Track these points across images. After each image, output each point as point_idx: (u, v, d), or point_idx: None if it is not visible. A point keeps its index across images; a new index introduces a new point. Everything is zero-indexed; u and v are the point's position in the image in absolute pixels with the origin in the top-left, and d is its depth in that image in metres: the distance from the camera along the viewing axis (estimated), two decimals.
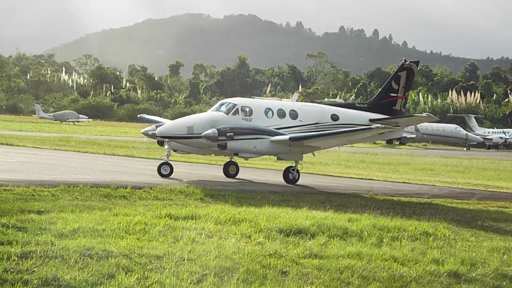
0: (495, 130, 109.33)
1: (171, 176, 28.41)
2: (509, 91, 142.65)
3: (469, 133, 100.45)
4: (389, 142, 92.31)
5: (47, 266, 11.36)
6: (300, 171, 30.36)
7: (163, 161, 28.99)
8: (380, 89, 34.57)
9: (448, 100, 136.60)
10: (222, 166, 31.83)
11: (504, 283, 13.01)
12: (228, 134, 27.64)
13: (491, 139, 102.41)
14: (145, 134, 30.39)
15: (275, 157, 30.95)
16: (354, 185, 31.09)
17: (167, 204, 19.84)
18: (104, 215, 16.39)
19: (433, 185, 34.02)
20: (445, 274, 13.13)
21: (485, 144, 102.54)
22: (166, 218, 16.44)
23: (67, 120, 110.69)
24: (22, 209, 16.80)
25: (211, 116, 29.42)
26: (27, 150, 40.54)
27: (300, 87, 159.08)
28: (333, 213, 19.17)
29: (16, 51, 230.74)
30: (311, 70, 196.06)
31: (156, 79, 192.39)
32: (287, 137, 28.82)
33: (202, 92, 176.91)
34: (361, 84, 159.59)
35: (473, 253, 15.06)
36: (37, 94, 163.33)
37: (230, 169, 31.42)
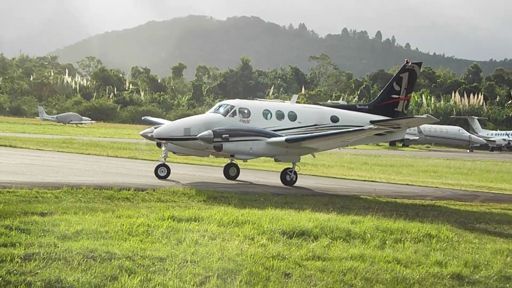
0: (498, 132, 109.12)
1: (173, 178, 28.43)
2: None
3: (472, 135, 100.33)
4: (392, 144, 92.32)
5: (50, 268, 11.37)
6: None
7: (160, 162, 29.00)
8: (382, 91, 34.46)
9: (451, 102, 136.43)
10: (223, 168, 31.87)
11: (508, 285, 12.99)
12: (223, 135, 27.67)
13: (494, 141, 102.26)
14: (144, 136, 30.41)
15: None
16: (357, 187, 31.06)
17: (170, 206, 19.86)
18: (107, 217, 16.39)
19: (436, 187, 33.97)
20: (448, 276, 13.12)
21: (488, 146, 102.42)
22: (169, 220, 16.44)
23: (70, 122, 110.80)
24: (25, 211, 16.82)
25: (208, 117, 29.48)
26: (30, 152, 40.59)
27: (303, 89, 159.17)
28: (336, 215, 19.16)
29: (20, 53, 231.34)
30: (314, 72, 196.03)
31: (159, 81, 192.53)
32: (283, 138, 28.77)
33: (205, 94, 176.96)
34: (364, 86, 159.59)
35: (477, 255, 15.04)
36: (40, 96, 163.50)
37: (231, 171, 31.44)
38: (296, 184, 30.17)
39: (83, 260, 11.90)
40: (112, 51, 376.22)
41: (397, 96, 32.81)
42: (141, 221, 15.89)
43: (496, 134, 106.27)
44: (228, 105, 29.88)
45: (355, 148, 66.67)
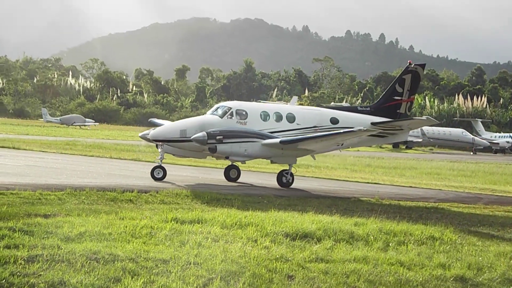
0: (502, 134, 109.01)
1: (175, 180, 28.46)
2: None
3: (475, 138, 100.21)
4: (396, 146, 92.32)
5: (53, 269, 11.38)
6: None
7: (157, 164, 29.00)
8: (384, 92, 34.30)
9: (455, 105, 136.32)
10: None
11: None
12: (217, 137, 27.68)
13: (498, 143, 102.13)
14: (143, 138, 30.43)
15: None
16: (360, 189, 31.03)
17: (173, 208, 19.88)
18: (111, 219, 16.41)
19: (440, 190, 33.95)
20: (451, 279, 13.11)
21: (492, 149, 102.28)
22: (172, 222, 16.45)
23: (74, 124, 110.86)
24: (29, 213, 16.85)
25: (204, 119, 29.51)
26: (33, 154, 40.61)
27: (306, 91, 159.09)
28: (339, 217, 19.17)
29: (23, 55, 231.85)
30: (317, 74, 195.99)
31: (162, 83, 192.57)
32: (277, 140, 28.74)
33: (209, 96, 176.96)
34: (367, 88, 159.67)
35: (480, 258, 15.02)
36: (43, 98, 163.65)
37: (231, 173, 31.46)
38: (299, 186, 30.16)
39: (86, 262, 11.91)
40: (115, 53, 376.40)
41: (399, 98, 32.66)
42: (144, 223, 15.90)
43: (499, 137, 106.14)
44: (225, 106, 29.90)
45: (358, 150, 66.64)
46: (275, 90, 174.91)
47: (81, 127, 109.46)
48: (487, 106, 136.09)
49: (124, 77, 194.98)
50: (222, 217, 17.33)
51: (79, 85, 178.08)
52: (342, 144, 31.26)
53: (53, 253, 12.28)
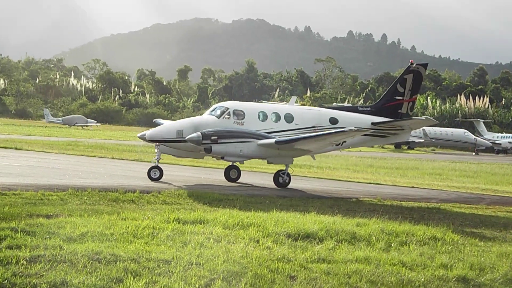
0: (504, 134, 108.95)
1: (177, 181, 28.45)
2: None
3: (477, 138, 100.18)
4: (398, 146, 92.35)
5: (55, 270, 11.38)
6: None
7: (153, 164, 29.00)
8: (385, 92, 34.14)
9: (457, 105, 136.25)
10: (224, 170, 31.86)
11: None
12: (212, 137, 27.63)
13: (500, 143, 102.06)
14: (142, 138, 30.42)
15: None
16: (362, 190, 31.00)
17: (175, 209, 19.87)
18: (113, 219, 16.41)
19: (442, 190, 33.93)
20: (453, 279, 13.10)
21: (494, 149, 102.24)
22: (174, 222, 16.45)
23: (76, 124, 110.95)
24: (31, 213, 16.85)
25: (201, 120, 29.52)
26: (36, 154, 40.64)
27: (308, 91, 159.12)
28: (341, 217, 19.15)
29: (25, 56, 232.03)
30: (319, 75, 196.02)
31: (164, 83, 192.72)
32: (273, 140, 28.68)
33: (211, 96, 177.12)
34: (369, 88, 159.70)
35: (482, 258, 15.01)
36: (46, 99, 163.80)
37: (231, 173, 31.43)
38: (300, 186, 30.16)
39: (88, 262, 11.91)
40: (117, 53, 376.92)
41: (401, 98, 32.48)
42: (146, 224, 15.90)
43: (501, 137, 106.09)
44: (223, 107, 29.89)
45: (360, 151, 66.70)
46: (277, 90, 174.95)
47: (83, 127, 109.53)
48: (489, 106, 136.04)
49: (126, 77, 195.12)
50: (224, 217, 17.32)
51: (81, 86, 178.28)
52: (341, 144, 31.16)
53: (55, 253, 12.28)
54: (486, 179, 42.40)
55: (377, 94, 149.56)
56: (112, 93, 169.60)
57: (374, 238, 16.34)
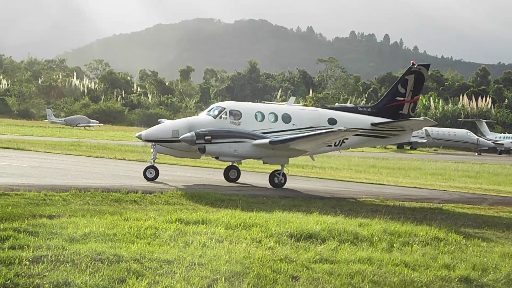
0: (507, 135, 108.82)
1: (178, 181, 28.45)
2: None
3: (480, 138, 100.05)
4: (400, 147, 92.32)
5: (58, 270, 11.40)
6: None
7: (149, 164, 28.98)
8: (386, 93, 34.00)
9: (459, 105, 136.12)
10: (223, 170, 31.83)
11: None
12: (206, 137, 27.54)
13: (503, 144, 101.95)
14: (138, 138, 30.41)
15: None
16: (365, 190, 30.98)
17: (177, 209, 19.88)
18: (115, 220, 16.42)
19: (444, 190, 33.90)
20: (456, 279, 13.09)
21: (497, 149, 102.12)
22: (177, 222, 16.45)
23: (78, 125, 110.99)
24: (34, 214, 16.87)
25: (197, 119, 29.49)
26: (38, 154, 40.67)
27: (310, 92, 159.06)
28: (344, 218, 19.13)
29: (28, 56, 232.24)
30: (321, 75, 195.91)
31: (166, 83, 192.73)
32: (267, 140, 28.58)
33: (213, 97, 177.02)
34: (371, 89, 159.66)
35: (485, 259, 15.00)
36: (48, 99, 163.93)
37: (231, 173, 31.37)
38: (300, 187, 30.14)
39: (91, 263, 11.92)
40: (120, 54, 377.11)
41: (402, 99, 32.32)
42: (149, 224, 15.91)
43: (504, 137, 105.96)
44: (219, 107, 29.85)
45: (362, 151, 66.70)
46: (280, 91, 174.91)
47: (86, 128, 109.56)
48: (492, 106, 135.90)
49: (129, 78, 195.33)
50: (226, 217, 17.32)
51: (83, 86, 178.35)
52: (340, 145, 31.07)
53: (57, 253, 12.29)
54: (488, 180, 42.36)
55: (380, 94, 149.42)
56: (115, 94, 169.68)
57: (376, 238, 16.34)
